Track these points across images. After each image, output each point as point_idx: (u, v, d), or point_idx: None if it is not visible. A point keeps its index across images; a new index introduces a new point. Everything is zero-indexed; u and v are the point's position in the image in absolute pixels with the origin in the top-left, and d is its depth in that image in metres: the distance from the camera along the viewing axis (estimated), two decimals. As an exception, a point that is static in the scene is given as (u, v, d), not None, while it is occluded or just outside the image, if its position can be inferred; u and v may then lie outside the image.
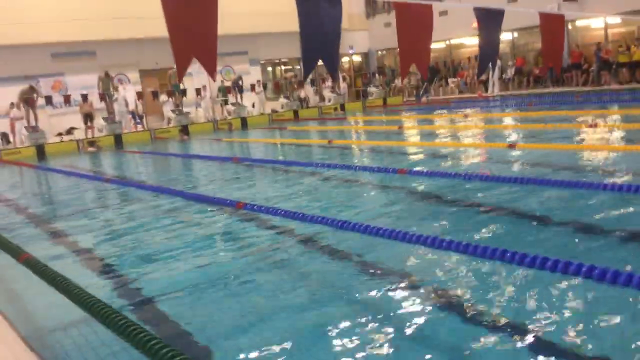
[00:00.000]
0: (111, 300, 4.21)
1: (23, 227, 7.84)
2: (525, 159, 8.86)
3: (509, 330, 3.34)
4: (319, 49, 4.67)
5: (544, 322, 3.39)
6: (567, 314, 3.49)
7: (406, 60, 5.69)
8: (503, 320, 3.47)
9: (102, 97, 21.18)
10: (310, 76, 24.25)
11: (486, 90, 24.97)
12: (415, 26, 5.36)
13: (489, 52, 6.24)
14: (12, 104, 20.29)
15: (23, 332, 3.75)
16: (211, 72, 4.10)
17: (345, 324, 3.60)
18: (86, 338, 3.72)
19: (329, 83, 27.32)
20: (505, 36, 26.00)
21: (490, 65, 6.95)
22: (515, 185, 6.73)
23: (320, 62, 4.85)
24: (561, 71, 22.95)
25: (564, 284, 3.81)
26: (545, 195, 6.34)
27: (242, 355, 3.35)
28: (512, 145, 9.82)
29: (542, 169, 7.87)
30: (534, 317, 3.45)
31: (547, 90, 21.94)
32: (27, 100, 20.19)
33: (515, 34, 25.09)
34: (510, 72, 24.62)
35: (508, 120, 15.78)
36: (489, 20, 6.05)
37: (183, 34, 3.93)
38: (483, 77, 24.95)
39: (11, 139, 20.77)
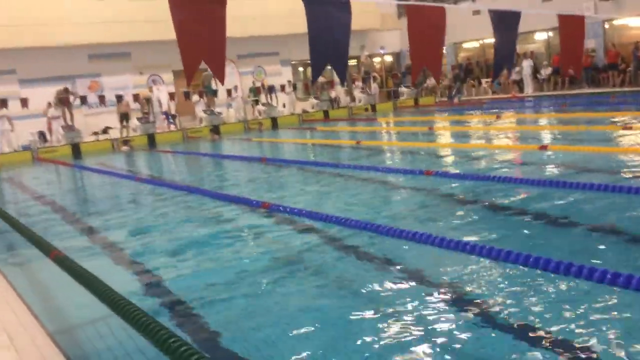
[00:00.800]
0: (137, 298, 4.29)
1: (56, 224, 8.04)
2: (558, 161, 8.71)
3: (542, 341, 3.29)
4: (328, 54, 4.67)
5: (579, 332, 3.33)
6: (602, 324, 3.42)
7: (418, 63, 5.65)
8: (531, 328, 3.42)
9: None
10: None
11: (520, 90, 24.59)
12: (427, 29, 5.30)
13: (504, 54, 6.12)
14: (49, 103, 20.79)
15: (50, 328, 3.85)
16: (220, 76, 4.14)
17: (368, 326, 3.59)
18: (113, 335, 3.79)
19: (359, 83, 27.25)
20: (540, 36, 25.58)
21: (507, 67, 6.79)
22: (546, 188, 6.62)
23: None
24: (597, 71, 22.45)
25: (599, 293, 3.73)
26: (577, 199, 6.22)
27: (265, 356, 3.38)
28: (544, 147, 9.66)
29: (574, 172, 7.71)
30: (570, 328, 3.39)
31: (582, 91, 21.48)
32: (63, 100, 20.66)
33: (550, 34, 24.63)
34: (545, 72, 24.17)
35: (541, 122, 15.51)
36: (505, 22, 5.93)
37: (191, 39, 3.98)
38: (516, 77, 24.57)
39: (48, 138, 21.29)
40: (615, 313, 3.49)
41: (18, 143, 20.44)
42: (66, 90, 20.77)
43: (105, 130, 22.44)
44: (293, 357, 3.32)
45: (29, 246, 5.85)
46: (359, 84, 27.28)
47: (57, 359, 3.25)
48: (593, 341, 3.17)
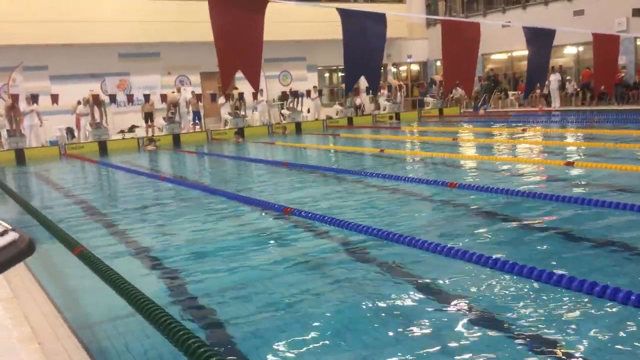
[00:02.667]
0: (158, 297, 4.34)
1: (80, 220, 8.17)
2: (584, 178, 8.60)
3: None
4: (362, 65, 4.68)
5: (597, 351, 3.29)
6: (620, 345, 3.37)
7: (450, 78, 5.63)
8: (557, 348, 3.38)
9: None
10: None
11: (548, 104, 24.33)
12: (461, 45, 5.28)
13: (537, 70, 6.07)
14: (78, 101, 21.13)
15: (73, 322, 3.92)
16: (255, 84, 4.18)
17: (385, 336, 3.59)
18: (133, 332, 3.85)
19: (384, 91, 27.23)
20: (569, 50, 25.31)
21: (539, 83, 6.73)
22: (571, 204, 6.54)
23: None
24: (627, 88, 22.13)
25: (623, 315, 3.68)
26: (602, 218, 6.14)
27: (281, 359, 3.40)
28: (570, 163, 9.55)
29: (600, 190, 7.61)
30: (588, 346, 3.35)
31: (611, 108, 21.19)
32: (94, 99, 20.99)
33: (581, 48, 24.37)
34: (572, 87, 23.89)
35: (568, 137, 15.34)
36: (539, 39, 5.88)
37: (229, 46, 4.02)
38: (544, 91, 24.34)
39: (76, 134, 21.64)
40: None
41: (46, 138, 20.81)
42: (96, 97, 21.09)
43: (131, 129, 22.75)
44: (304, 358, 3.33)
45: (54, 241, 5.96)
46: (384, 92, 27.25)
47: (78, 353, 3.31)
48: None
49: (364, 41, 4.56)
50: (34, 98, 19.96)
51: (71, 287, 5.25)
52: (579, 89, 23.76)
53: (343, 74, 29.75)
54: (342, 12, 4.46)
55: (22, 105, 19.85)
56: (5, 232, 1.00)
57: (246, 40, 4.05)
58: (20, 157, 18.85)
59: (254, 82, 4.18)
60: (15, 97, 19.70)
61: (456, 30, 5.42)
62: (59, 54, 21.95)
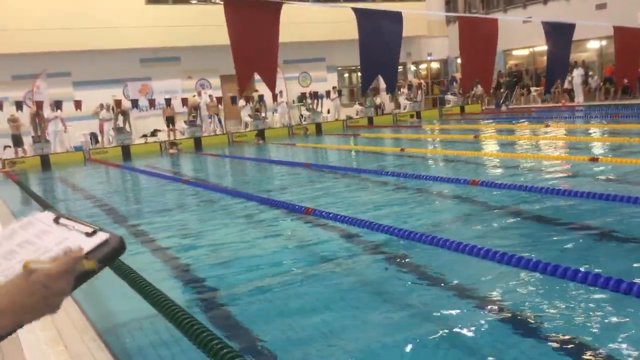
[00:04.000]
0: (181, 299, 4.38)
1: (104, 223, 8.26)
2: (608, 173, 8.46)
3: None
4: (379, 65, 4.67)
5: (613, 346, 3.23)
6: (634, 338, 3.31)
7: (469, 75, 5.58)
8: (573, 343, 3.33)
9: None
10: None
11: (571, 99, 23.99)
12: (479, 41, 5.22)
13: (557, 65, 5.97)
14: (101, 105, 21.41)
15: (98, 325, 3.96)
16: (271, 86, 4.20)
17: (407, 334, 3.57)
18: (157, 334, 3.88)
19: (405, 90, 27.10)
20: (592, 44, 24.93)
21: (559, 78, 6.63)
22: (595, 201, 6.43)
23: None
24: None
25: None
26: (627, 213, 6.03)
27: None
28: (594, 159, 9.40)
29: (625, 185, 7.48)
30: (605, 343, 3.30)
31: (635, 102, 20.80)
32: (118, 104, 21.26)
33: (603, 42, 23.98)
34: (595, 81, 23.51)
35: (592, 132, 15.10)
36: (558, 33, 5.79)
37: (245, 49, 4.04)
38: (567, 87, 24.00)
39: (99, 139, 21.94)
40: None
41: (70, 144, 21.13)
42: (119, 102, 21.34)
43: (153, 133, 22.98)
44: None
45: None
46: (405, 90, 27.12)
47: (103, 355, 3.34)
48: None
49: (380, 40, 4.54)
50: (57, 104, 20.28)
51: (96, 290, 5.31)
52: (602, 84, 23.37)
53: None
54: (357, 11, 4.45)
55: (47, 112, 20.19)
56: (94, 233, 1.03)
57: (262, 42, 4.06)
58: (45, 162, 19.17)
59: (271, 83, 4.20)
60: (39, 104, 20.04)
61: (474, 27, 5.37)
62: (81, 61, 22.27)
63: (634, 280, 3.59)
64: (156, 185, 12.27)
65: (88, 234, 1.01)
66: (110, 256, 1.00)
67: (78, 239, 1.01)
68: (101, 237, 1.01)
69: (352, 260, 5.35)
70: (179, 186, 11.49)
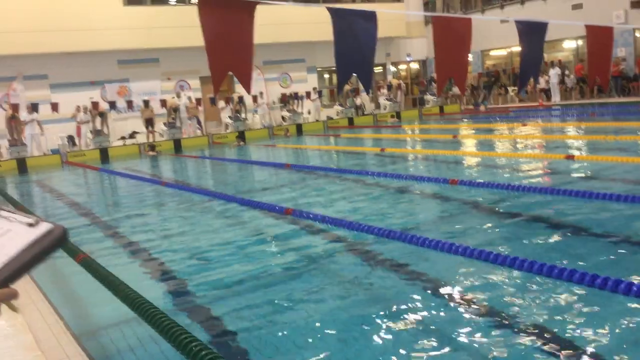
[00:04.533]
0: (161, 301, 4.35)
1: (83, 227, 8.17)
2: (584, 171, 8.58)
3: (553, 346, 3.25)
4: (354, 64, 4.68)
5: (592, 341, 3.28)
6: (612, 332, 3.37)
7: (443, 74, 5.62)
8: (546, 337, 3.37)
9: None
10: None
11: (548, 99, 24.29)
12: (453, 40, 5.27)
13: (530, 64, 6.05)
14: (77, 107, 21.17)
15: (75, 329, 3.92)
16: (247, 87, 4.19)
17: (386, 333, 3.59)
18: (137, 337, 3.85)
19: (384, 90, 27.21)
20: (569, 44, 25.27)
21: (533, 77, 6.71)
22: (571, 198, 6.52)
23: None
24: (627, 80, 22.07)
25: (626, 307, 3.67)
26: (603, 210, 6.12)
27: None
28: (570, 157, 9.53)
29: (601, 183, 7.60)
30: (583, 337, 3.35)
31: (611, 100, 21.14)
32: (95, 106, 21.05)
33: (579, 42, 24.32)
34: (571, 81, 23.84)
35: (568, 131, 15.31)
36: (531, 32, 5.86)
37: (220, 48, 4.03)
38: (544, 86, 24.29)
39: (77, 142, 21.67)
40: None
41: (48, 147, 20.86)
42: (96, 104, 21.14)
43: (132, 135, 22.77)
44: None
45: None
46: (384, 91, 27.22)
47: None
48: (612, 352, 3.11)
49: (355, 39, 4.56)
50: (34, 107, 20.00)
51: (74, 295, 5.25)
52: (577, 83, 23.72)
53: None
54: (332, 10, 4.46)
55: (23, 115, 19.90)
56: (37, 223, 1.02)
57: (237, 42, 4.06)
58: (22, 166, 18.88)
59: (246, 84, 4.19)
60: (15, 107, 19.74)
61: (448, 27, 5.42)
62: (58, 63, 21.98)
63: (608, 276, 3.64)
64: (135, 187, 12.16)
65: (30, 225, 1.00)
66: (52, 246, 1.01)
67: (20, 230, 1.01)
68: (44, 227, 1.00)
69: (332, 259, 5.35)
70: (159, 188, 11.41)
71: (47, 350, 3.40)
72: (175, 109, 22.67)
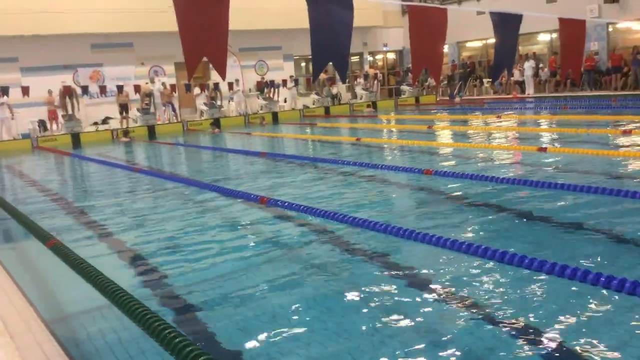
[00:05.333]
0: (133, 288, 4.31)
1: (54, 212, 8.05)
2: (556, 163, 8.72)
3: (528, 337, 3.32)
4: (330, 52, 4.68)
5: (564, 331, 3.36)
6: (595, 328, 3.45)
7: (418, 63, 5.65)
8: (522, 327, 3.44)
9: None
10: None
11: (522, 91, 24.58)
12: (428, 30, 5.30)
13: (504, 55, 6.12)
14: (49, 91, 20.76)
15: (46, 315, 3.87)
16: (221, 71, 4.15)
17: (362, 321, 3.62)
18: (108, 324, 3.82)
19: (361, 80, 27.24)
20: (543, 37, 25.57)
21: (506, 68, 6.81)
22: (543, 189, 6.63)
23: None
24: (599, 74, 22.44)
25: (588, 294, 3.76)
26: (573, 201, 6.24)
27: (257, 351, 3.40)
28: (543, 149, 9.67)
29: (572, 175, 7.73)
30: (555, 326, 3.42)
31: (584, 94, 21.49)
32: (66, 89, 20.66)
33: (554, 35, 24.61)
34: (545, 73, 24.16)
35: (541, 123, 15.53)
36: (506, 24, 5.92)
37: (193, 33, 3.99)
38: (518, 79, 24.57)
39: (48, 127, 21.27)
40: (611, 317, 3.52)
41: (18, 131, 20.43)
42: (67, 88, 20.74)
43: (105, 121, 22.43)
44: (287, 352, 3.34)
45: (27, 234, 5.87)
46: (361, 80, 27.25)
47: (51, 346, 3.27)
48: (588, 344, 3.19)
49: (331, 27, 4.56)
50: (4, 90, 19.55)
51: (44, 280, 5.18)
52: (550, 76, 24.03)
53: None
54: (307, -3, 4.44)
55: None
56: None
57: (211, 28, 4.01)
58: (-9, 150, 18.50)
59: (221, 70, 4.15)
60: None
61: (423, 16, 5.44)
62: (29, 46, 21.47)
63: (577, 267, 3.72)
64: (108, 173, 12.00)
65: None
66: None
67: None
68: None
69: (306, 248, 5.37)
70: (132, 175, 11.28)
71: (17, 336, 3.36)
72: (149, 95, 22.38)
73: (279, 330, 3.60)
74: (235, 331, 3.66)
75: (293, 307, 3.96)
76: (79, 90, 21.34)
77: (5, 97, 19.57)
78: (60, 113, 20.90)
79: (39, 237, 5.33)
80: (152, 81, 23.08)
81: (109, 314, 3.79)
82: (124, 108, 21.78)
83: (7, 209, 7.29)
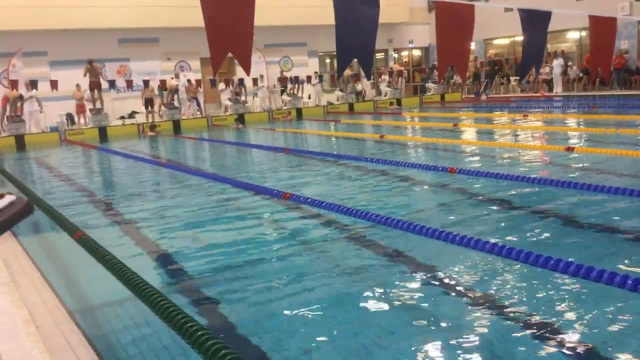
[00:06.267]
0: (156, 281, 4.36)
1: (80, 205, 8.17)
2: (583, 163, 8.58)
3: (547, 336, 3.27)
4: (354, 49, 4.66)
5: (585, 333, 3.30)
6: (609, 325, 3.38)
7: (444, 60, 5.60)
8: (542, 328, 3.39)
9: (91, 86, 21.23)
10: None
11: (550, 90, 24.23)
12: (455, 27, 5.24)
13: (533, 53, 6.02)
14: (78, 85, 21.06)
15: (71, 306, 3.93)
16: (246, 68, 4.16)
17: (382, 318, 3.61)
18: (132, 316, 3.86)
19: (386, 77, 27.10)
20: (572, 35, 25.15)
21: (535, 66, 6.68)
22: (569, 189, 6.53)
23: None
24: (629, 73, 22.00)
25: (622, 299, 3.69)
26: (600, 202, 6.13)
27: (280, 344, 3.41)
28: (570, 149, 9.52)
29: (600, 175, 7.59)
30: (576, 328, 3.36)
31: (612, 93, 21.09)
32: (92, 83, 20.94)
33: (583, 33, 24.19)
34: (574, 72, 23.75)
35: (569, 122, 15.28)
36: (534, 21, 5.82)
37: (219, 28, 4.00)
38: (546, 77, 24.21)
39: (76, 120, 21.60)
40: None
41: (46, 124, 20.77)
42: (90, 62, 20.89)
43: (131, 115, 22.70)
44: (305, 344, 3.34)
45: (54, 226, 5.97)
46: (386, 77, 27.11)
47: (75, 337, 3.32)
48: (606, 344, 3.13)
49: (356, 24, 4.53)
50: (32, 84, 19.90)
51: (70, 272, 5.26)
52: (581, 74, 23.62)
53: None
54: (333, -7, 4.42)
55: (22, 91, 19.82)
56: (2, 196, 1.03)
57: (237, 24, 4.03)
58: (20, 143, 18.84)
59: (246, 65, 4.17)
60: (14, 83, 19.65)
61: (450, 12, 5.38)
62: (58, 40, 21.82)
63: (604, 268, 3.65)
64: (133, 167, 12.14)
65: None
66: (13, 217, 1.01)
67: None
68: (8, 199, 1.01)
69: (329, 245, 5.36)
70: (157, 169, 11.39)
71: (42, 326, 3.41)
72: (175, 91, 22.59)
73: (298, 325, 3.60)
74: (254, 325, 3.67)
75: (315, 303, 3.96)
76: (105, 85, 21.61)
77: (34, 90, 19.92)
78: (88, 107, 21.22)
79: (65, 229, 5.41)
80: (177, 76, 23.26)
81: (132, 306, 3.83)
82: (149, 103, 22.03)
83: (34, 200, 7.42)
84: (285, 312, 3.85)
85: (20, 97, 19.56)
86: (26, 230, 6.76)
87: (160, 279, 4.65)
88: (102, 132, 20.34)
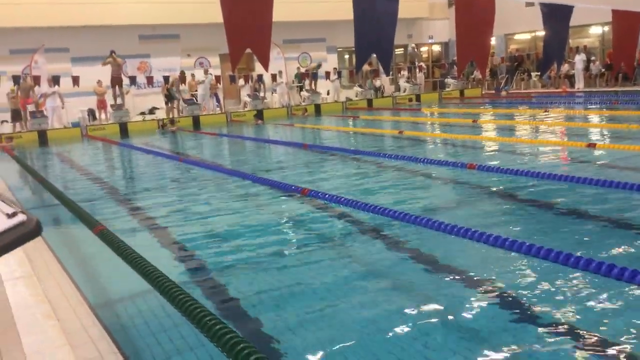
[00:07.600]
0: (175, 275, 4.39)
1: (101, 200, 8.27)
2: (605, 160, 8.46)
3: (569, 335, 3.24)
4: (373, 43, 4.64)
5: (609, 333, 3.26)
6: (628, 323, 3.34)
7: (464, 55, 5.54)
8: (565, 326, 3.36)
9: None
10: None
11: (571, 85, 23.91)
12: (475, 21, 5.19)
13: (554, 48, 5.93)
14: (99, 81, 21.28)
15: (91, 300, 3.98)
16: (265, 63, 4.17)
17: (400, 314, 3.60)
18: (151, 310, 3.90)
19: (405, 72, 26.97)
20: (595, 30, 24.79)
21: (556, 62, 6.59)
22: (591, 187, 6.44)
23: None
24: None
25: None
26: (621, 199, 6.04)
27: (296, 339, 3.42)
28: (591, 145, 9.39)
29: (622, 172, 7.49)
30: (598, 326, 3.33)
31: (635, 88, 20.74)
32: (114, 79, 21.14)
33: (605, 28, 23.83)
34: (597, 67, 23.40)
35: (591, 118, 15.07)
36: (556, 16, 5.74)
37: (238, 24, 4.01)
38: (569, 72, 23.89)
39: (97, 116, 21.84)
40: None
41: (68, 120, 21.04)
42: (112, 54, 21.07)
43: (151, 111, 22.89)
44: (322, 339, 3.35)
45: (75, 220, 6.05)
46: (405, 73, 26.98)
47: (96, 330, 3.36)
48: (620, 340, 3.09)
49: (375, 19, 4.51)
50: (54, 80, 20.15)
51: (91, 266, 5.32)
52: (603, 70, 23.26)
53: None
54: (352, -12, 4.41)
55: (44, 87, 20.10)
56: (14, 215, 1.03)
57: (255, 19, 4.03)
58: (42, 138, 19.11)
59: (264, 61, 4.17)
60: (37, 79, 19.93)
61: (471, 8, 5.33)
62: (79, 36, 22.07)
63: (626, 266, 3.60)
64: (154, 162, 12.25)
65: (9, 215, 1.02)
66: (21, 238, 1.01)
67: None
68: (19, 219, 1.02)
69: (347, 240, 5.36)
70: (177, 164, 11.48)
71: (64, 320, 3.46)
72: (195, 88, 22.81)
73: (315, 320, 3.61)
74: (272, 320, 3.69)
75: (332, 299, 3.96)
76: (126, 81, 21.81)
77: (56, 86, 20.18)
78: (109, 102, 21.46)
79: (86, 223, 5.49)
80: (206, 72, 23.31)
81: (152, 300, 3.87)
82: (169, 98, 22.19)
83: (56, 195, 7.52)
84: (305, 307, 3.86)
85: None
86: (48, 224, 6.86)
87: (179, 273, 4.69)
88: (123, 128, 20.54)
